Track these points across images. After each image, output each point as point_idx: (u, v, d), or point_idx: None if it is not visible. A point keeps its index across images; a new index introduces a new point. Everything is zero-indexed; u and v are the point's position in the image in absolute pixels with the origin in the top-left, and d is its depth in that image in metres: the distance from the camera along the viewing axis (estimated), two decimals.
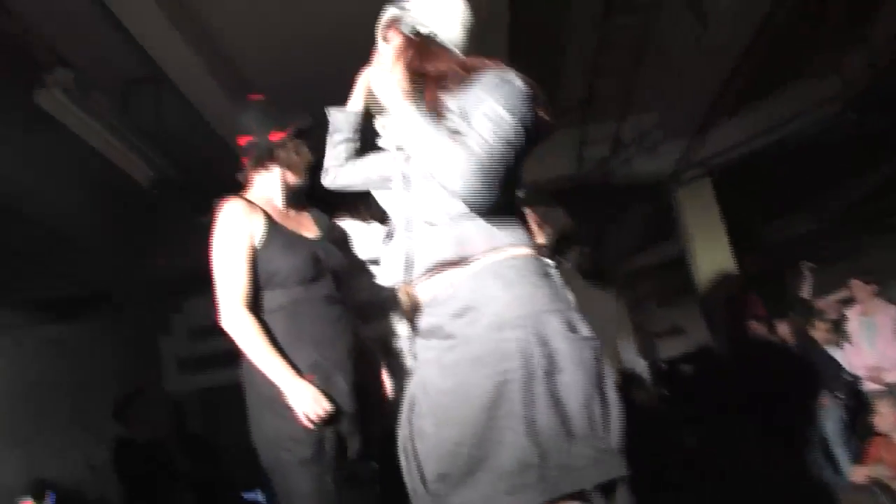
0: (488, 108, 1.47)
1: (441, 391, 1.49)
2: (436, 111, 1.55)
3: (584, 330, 1.49)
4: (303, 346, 2.02)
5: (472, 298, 1.50)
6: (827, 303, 5.19)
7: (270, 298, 2.06)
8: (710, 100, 5.06)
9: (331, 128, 2.06)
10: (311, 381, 1.97)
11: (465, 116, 1.51)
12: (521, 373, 1.40)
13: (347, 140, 2.04)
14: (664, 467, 3.44)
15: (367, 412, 2.10)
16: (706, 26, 4.21)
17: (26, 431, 5.03)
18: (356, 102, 2.04)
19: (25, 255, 5.49)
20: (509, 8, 3.62)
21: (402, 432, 1.57)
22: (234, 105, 3.35)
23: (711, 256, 6.11)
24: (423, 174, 1.60)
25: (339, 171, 2.05)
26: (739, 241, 6.26)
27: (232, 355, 2.05)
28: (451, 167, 1.46)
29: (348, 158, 2.05)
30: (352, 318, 2.19)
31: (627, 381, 4.61)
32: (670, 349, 8.99)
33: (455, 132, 1.50)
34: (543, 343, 1.43)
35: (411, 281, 1.61)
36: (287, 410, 1.95)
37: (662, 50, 4.53)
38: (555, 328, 1.46)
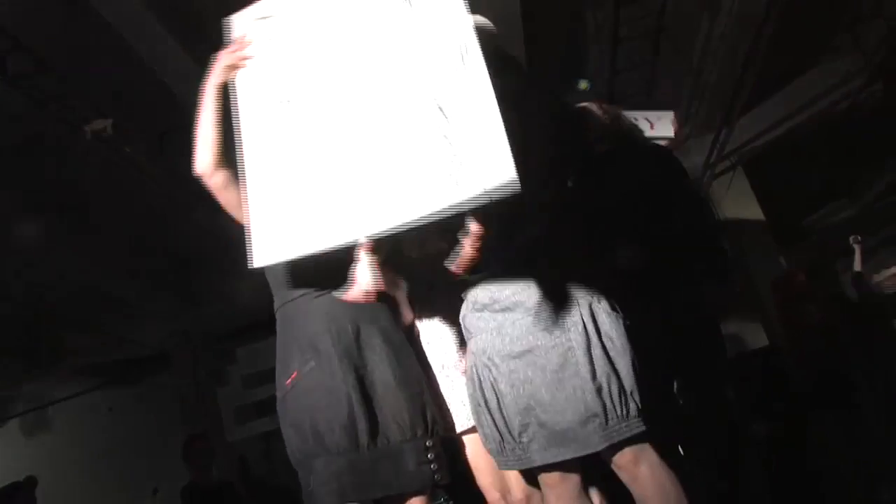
0: None
1: (510, 356, 1.80)
2: None
3: (619, 310, 1.84)
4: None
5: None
6: (884, 276, 5.08)
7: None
8: (732, 90, 5.07)
9: None
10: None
11: None
12: (581, 341, 1.75)
13: None
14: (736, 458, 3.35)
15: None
16: (717, 12, 4.25)
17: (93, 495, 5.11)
18: None
19: (79, 322, 5.65)
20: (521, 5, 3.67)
21: (477, 396, 1.86)
22: None
23: (753, 247, 6.02)
24: None
25: None
26: (780, 230, 6.17)
27: None
28: None
29: None
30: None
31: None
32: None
33: None
34: (593, 318, 1.79)
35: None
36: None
37: (677, 40, 4.58)
38: (602, 307, 1.82)
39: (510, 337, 1.81)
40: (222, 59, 1.94)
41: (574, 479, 1.83)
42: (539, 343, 1.78)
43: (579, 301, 1.80)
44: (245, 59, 1.92)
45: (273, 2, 1.97)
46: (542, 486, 1.88)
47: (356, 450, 1.85)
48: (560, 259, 1.87)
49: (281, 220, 1.77)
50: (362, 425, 1.86)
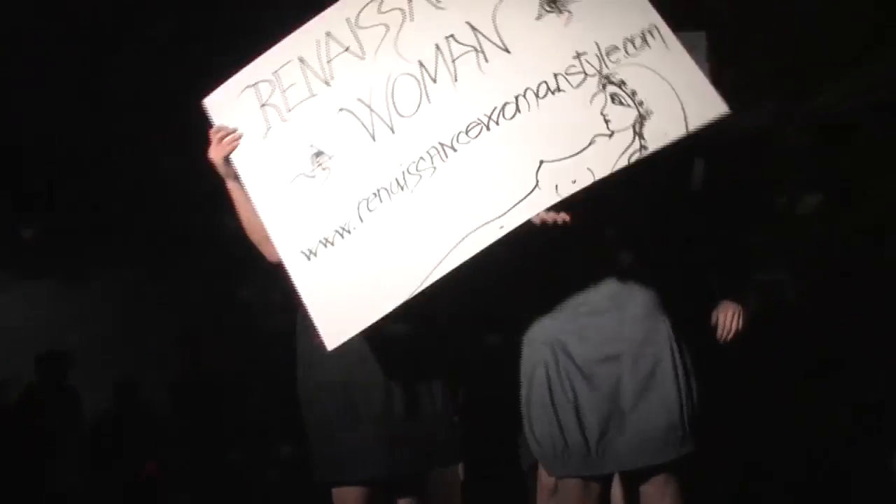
0: None
1: (594, 360, 1.82)
2: None
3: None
4: None
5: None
6: None
7: None
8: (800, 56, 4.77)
9: None
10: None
11: None
12: (668, 354, 1.80)
13: None
14: None
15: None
16: None
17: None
18: None
19: None
20: None
21: (542, 397, 1.84)
22: None
23: None
24: None
25: None
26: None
27: None
28: None
29: None
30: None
31: None
32: None
33: None
34: (677, 332, 1.84)
35: None
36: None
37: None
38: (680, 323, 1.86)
39: (594, 341, 1.82)
40: (213, 152, 1.91)
41: (595, 493, 1.86)
42: (627, 349, 1.81)
43: (665, 312, 1.85)
44: (236, 140, 1.89)
45: (258, 67, 1.93)
46: (561, 499, 1.93)
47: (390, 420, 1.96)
48: (646, 264, 1.89)
49: (342, 294, 1.78)
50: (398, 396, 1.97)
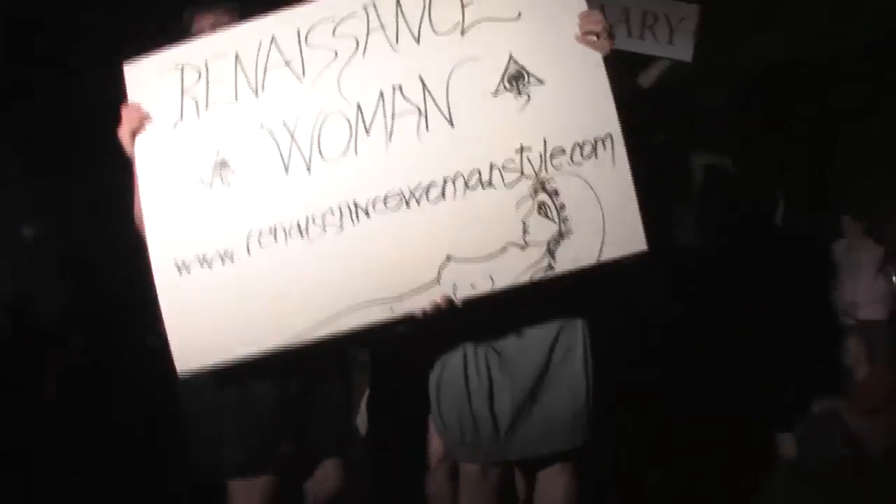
0: None
1: (510, 345, 1.78)
2: None
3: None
4: None
5: None
6: None
7: None
8: None
9: None
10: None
11: None
12: (581, 342, 1.78)
13: None
14: None
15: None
16: None
17: None
18: None
19: None
20: None
21: (457, 380, 1.79)
22: None
23: None
24: None
25: None
26: None
27: None
28: None
29: None
30: None
31: None
32: None
33: None
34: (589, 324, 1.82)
35: None
36: None
37: None
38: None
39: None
40: (122, 129, 1.73)
41: (494, 478, 1.85)
42: (537, 335, 1.77)
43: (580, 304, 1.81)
44: (146, 121, 1.73)
45: (192, 49, 1.75)
46: (462, 485, 1.90)
47: None
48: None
49: (206, 322, 1.67)
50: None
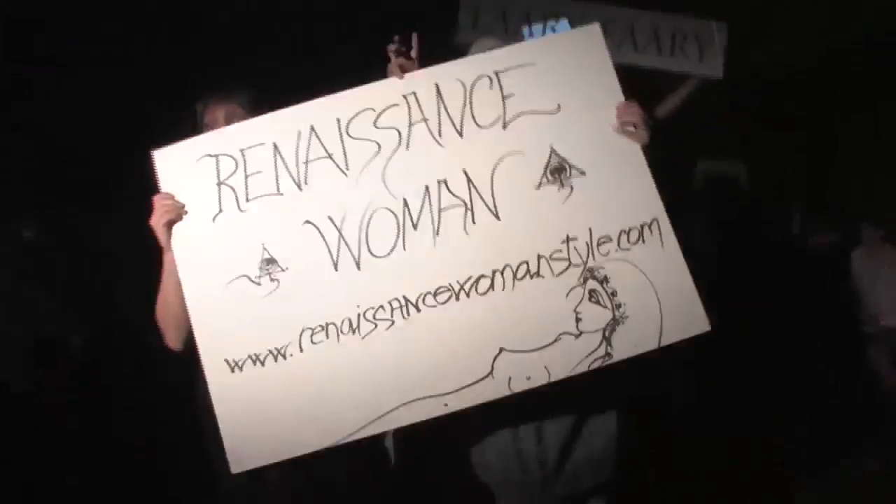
0: None
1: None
2: None
3: None
4: None
5: None
6: None
7: None
8: None
9: None
10: None
11: None
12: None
13: None
14: None
15: None
16: None
17: None
18: None
19: None
20: None
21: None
22: None
23: None
24: None
25: None
26: None
27: None
28: None
29: None
30: None
31: None
32: None
33: None
34: None
35: None
36: None
37: None
38: None
39: None
40: (155, 219, 1.68)
41: None
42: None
43: None
44: (182, 210, 1.69)
45: (225, 137, 1.72)
46: None
47: None
48: None
49: (260, 420, 1.65)
50: None
